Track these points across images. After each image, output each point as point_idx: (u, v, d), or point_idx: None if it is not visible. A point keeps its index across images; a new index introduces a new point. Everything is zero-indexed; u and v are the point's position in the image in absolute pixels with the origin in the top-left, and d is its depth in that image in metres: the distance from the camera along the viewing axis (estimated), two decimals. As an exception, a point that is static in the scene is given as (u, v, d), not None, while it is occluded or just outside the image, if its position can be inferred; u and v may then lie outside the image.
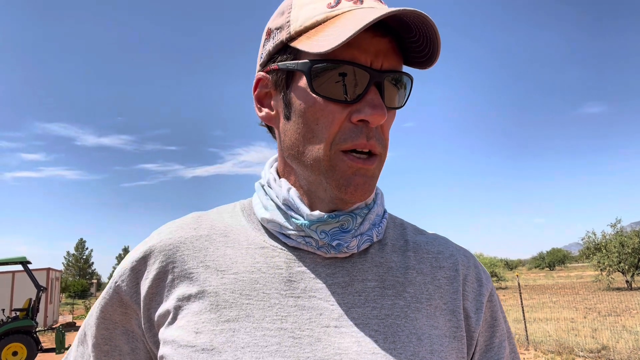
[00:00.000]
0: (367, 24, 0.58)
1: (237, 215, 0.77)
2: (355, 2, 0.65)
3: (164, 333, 0.66)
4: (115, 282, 0.73)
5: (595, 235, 25.80)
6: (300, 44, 0.65)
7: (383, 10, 0.60)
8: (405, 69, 0.70)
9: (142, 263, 0.71)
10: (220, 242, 0.72)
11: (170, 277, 0.69)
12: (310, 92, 0.65)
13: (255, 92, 0.74)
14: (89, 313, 0.77)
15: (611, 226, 25.39)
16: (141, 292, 0.70)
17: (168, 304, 0.67)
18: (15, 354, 10.32)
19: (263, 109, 0.73)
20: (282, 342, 0.62)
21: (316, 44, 0.62)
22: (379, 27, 0.64)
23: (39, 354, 11.40)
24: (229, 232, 0.73)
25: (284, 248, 0.70)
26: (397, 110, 0.70)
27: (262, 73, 0.72)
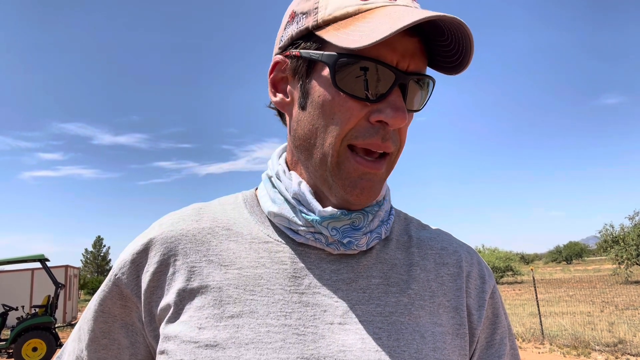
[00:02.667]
0: (405, 26, 0.55)
1: (239, 208, 0.75)
2: None
3: (165, 328, 0.65)
4: (115, 275, 0.71)
5: (613, 227, 25.44)
6: (327, 35, 0.62)
7: (419, 12, 0.58)
8: (430, 72, 0.68)
9: (142, 255, 0.70)
10: (223, 235, 0.70)
11: (171, 270, 0.68)
12: (332, 86, 0.63)
13: (271, 76, 0.71)
14: (87, 307, 0.76)
15: (629, 218, 25.00)
16: (142, 285, 0.69)
17: (169, 297, 0.66)
18: (35, 349, 10.51)
19: (278, 94, 0.71)
20: (286, 339, 0.61)
21: (346, 37, 0.60)
22: (410, 27, 0.61)
23: (58, 350, 11.61)
24: (232, 226, 0.72)
25: (288, 243, 0.69)
26: None
27: (280, 56, 0.69)
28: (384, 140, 0.63)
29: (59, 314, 18.36)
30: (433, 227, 0.80)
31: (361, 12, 0.62)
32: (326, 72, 0.63)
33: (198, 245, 0.69)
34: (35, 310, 11.78)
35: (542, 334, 10.32)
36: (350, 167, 0.64)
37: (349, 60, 0.61)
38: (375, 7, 0.62)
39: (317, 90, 0.64)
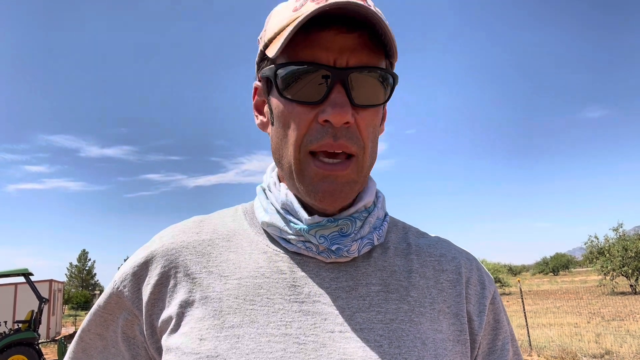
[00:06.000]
0: (297, 25, 0.59)
1: (239, 219, 0.76)
2: (318, 2, 0.62)
3: (167, 340, 0.66)
4: (117, 287, 0.71)
5: (598, 239, 25.70)
6: (268, 51, 0.66)
7: (325, 6, 0.59)
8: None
9: (143, 268, 0.70)
10: (223, 246, 0.71)
11: (172, 282, 0.68)
12: (280, 96, 0.65)
13: (254, 101, 0.76)
14: (88, 319, 0.75)
15: (614, 230, 25.28)
16: (143, 297, 0.69)
17: (170, 309, 0.67)
18: (17, 366, 10.30)
19: (259, 116, 0.75)
20: (287, 348, 0.61)
21: (272, 48, 0.64)
22: (345, 23, 0.62)
23: (41, 366, 11.37)
24: (232, 237, 0.73)
25: (287, 253, 0.70)
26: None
27: (257, 82, 0.75)
28: (336, 139, 0.63)
29: (42, 329, 17.99)
30: (432, 235, 0.80)
31: (291, 22, 0.64)
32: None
33: (198, 257, 0.70)
34: (18, 325, 11.53)
35: (530, 345, 10.36)
36: (311, 171, 0.64)
37: (286, 68, 0.63)
38: (302, 14, 0.61)
39: (274, 104, 0.68)
